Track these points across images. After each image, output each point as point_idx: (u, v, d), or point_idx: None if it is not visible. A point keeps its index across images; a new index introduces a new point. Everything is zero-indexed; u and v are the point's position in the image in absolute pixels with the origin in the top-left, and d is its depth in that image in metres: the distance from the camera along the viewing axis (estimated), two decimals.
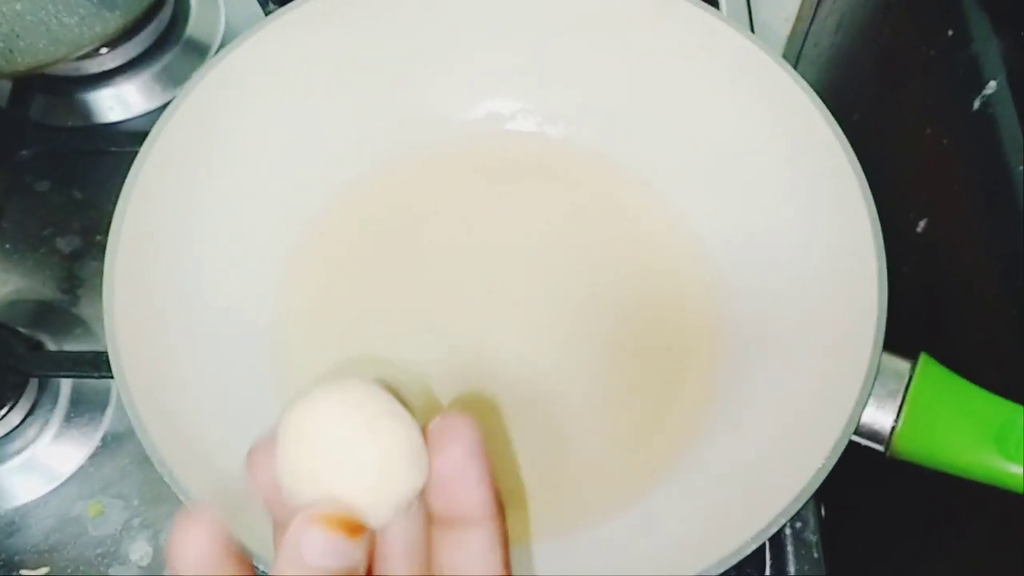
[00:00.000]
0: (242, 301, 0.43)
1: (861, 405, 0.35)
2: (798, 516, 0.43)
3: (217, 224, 0.43)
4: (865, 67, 0.48)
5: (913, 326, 0.37)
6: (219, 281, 0.42)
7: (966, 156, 0.37)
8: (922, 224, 0.40)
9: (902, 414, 0.36)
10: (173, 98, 0.42)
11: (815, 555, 0.42)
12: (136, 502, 0.45)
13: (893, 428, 0.36)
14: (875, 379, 0.36)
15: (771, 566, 0.42)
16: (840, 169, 0.39)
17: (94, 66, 0.55)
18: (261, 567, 0.28)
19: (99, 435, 0.46)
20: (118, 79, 0.56)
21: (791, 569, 0.42)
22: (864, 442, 0.36)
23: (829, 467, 0.34)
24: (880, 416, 0.36)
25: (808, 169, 0.41)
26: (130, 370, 0.36)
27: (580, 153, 0.47)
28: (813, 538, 0.43)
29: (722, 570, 0.33)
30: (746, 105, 0.43)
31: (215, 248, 0.43)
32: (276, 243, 0.45)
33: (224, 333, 0.42)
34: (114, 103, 0.56)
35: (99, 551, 0.44)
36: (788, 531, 0.43)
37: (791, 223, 0.41)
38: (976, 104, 0.36)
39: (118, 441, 0.46)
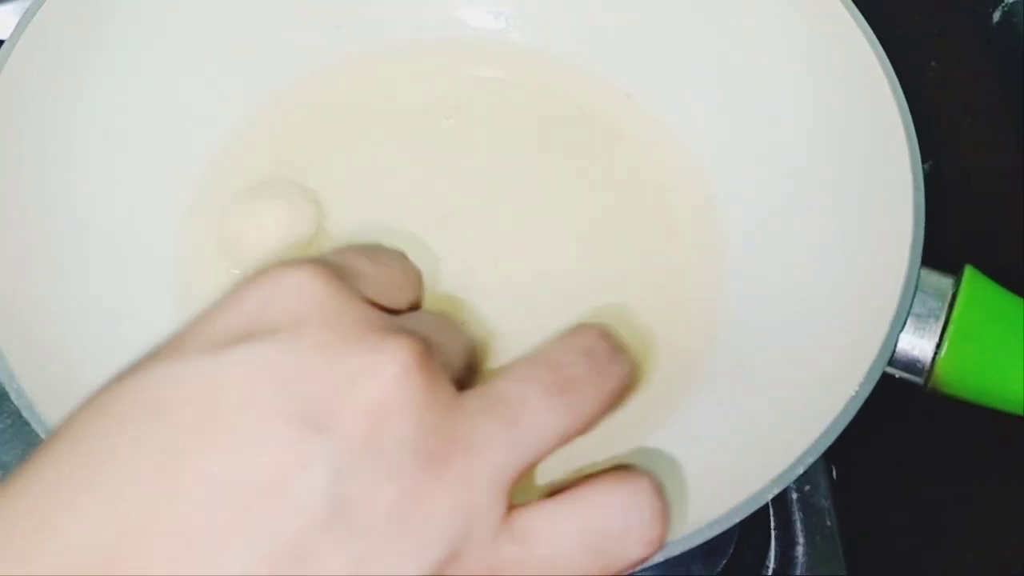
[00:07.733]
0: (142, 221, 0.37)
1: (897, 327, 0.30)
2: (806, 478, 0.37)
3: (109, 136, 0.37)
4: None
5: (955, 238, 0.32)
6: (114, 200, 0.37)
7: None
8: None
9: (945, 338, 0.30)
10: None
11: (827, 523, 0.36)
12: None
13: (935, 355, 0.30)
14: (913, 297, 0.30)
15: (776, 537, 0.36)
16: (864, 61, 0.33)
17: None
18: None
19: None
20: None
21: (799, 539, 0.36)
22: (900, 374, 0.30)
23: (864, 395, 0.29)
24: (919, 341, 0.30)
25: (822, 64, 0.35)
26: None
27: (551, 62, 0.41)
28: (825, 503, 0.36)
29: (738, 519, 0.27)
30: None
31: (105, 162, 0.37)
32: (187, 157, 0.38)
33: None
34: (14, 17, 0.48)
35: None
36: (795, 495, 0.36)
37: (804, 127, 0.36)
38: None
39: None
